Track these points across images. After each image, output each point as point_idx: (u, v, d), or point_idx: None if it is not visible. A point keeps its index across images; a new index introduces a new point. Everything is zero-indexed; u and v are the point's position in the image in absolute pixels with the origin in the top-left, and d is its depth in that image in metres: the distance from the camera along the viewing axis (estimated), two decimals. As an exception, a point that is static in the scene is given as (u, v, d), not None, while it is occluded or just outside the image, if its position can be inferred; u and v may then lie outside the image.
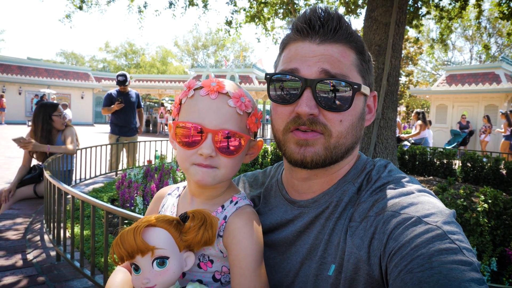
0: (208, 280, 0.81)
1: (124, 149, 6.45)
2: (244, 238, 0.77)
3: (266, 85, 0.85)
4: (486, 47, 10.98)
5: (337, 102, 0.75)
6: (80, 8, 8.28)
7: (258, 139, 0.90)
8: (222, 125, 0.77)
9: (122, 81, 6.19)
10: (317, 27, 0.76)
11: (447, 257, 0.56)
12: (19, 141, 4.13)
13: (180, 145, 0.79)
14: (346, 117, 0.77)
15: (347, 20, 0.79)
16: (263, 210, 0.95)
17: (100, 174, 6.18)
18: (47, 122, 4.44)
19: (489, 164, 6.17)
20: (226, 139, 0.77)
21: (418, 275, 0.55)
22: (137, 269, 0.72)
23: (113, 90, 6.32)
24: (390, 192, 0.74)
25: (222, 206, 0.83)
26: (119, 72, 6.25)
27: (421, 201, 0.69)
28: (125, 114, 6.26)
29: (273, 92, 0.81)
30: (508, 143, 10.61)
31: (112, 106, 6.13)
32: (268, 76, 0.82)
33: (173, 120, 0.83)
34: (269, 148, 6.36)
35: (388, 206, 0.70)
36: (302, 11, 0.83)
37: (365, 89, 0.79)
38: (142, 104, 6.56)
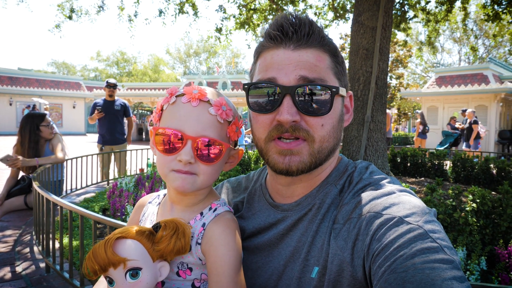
0: None
1: (113, 159, 6.39)
2: (221, 245, 0.77)
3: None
4: (473, 49, 11.22)
5: (318, 106, 0.76)
6: (70, 17, 8.28)
7: (238, 148, 0.90)
8: (202, 132, 0.77)
9: (113, 84, 6.19)
10: (290, 33, 0.76)
11: (429, 256, 0.57)
12: (6, 160, 4.08)
13: (160, 151, 0.79)
14: (327, 120, 0.78)
15: (318, 25, 0.80)
16: (246, 214, 0.94)
17: (92, 184, 6.13)
18: (34, 133, 4.40)
19: (478, 164, 6.25)
20: (206, 146, 0.77)
21: (401, 275, 0.56)
22: (111, 282, 0.71)
23: (99, 99, 6.29)
24: (372, 193, 0.75)
25: (201, 213, 0.83)
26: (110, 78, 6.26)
27: (402, 201, 0.69)
28: (108, 124, 6.20)
29: (253, 101, 0.81)
30: (420, 140, 11.82)
31: (93, 114, 6.14)
32: (246, 86, 0.82)
33: (154, 125, 0.83)
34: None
35: (370, 207, 0.71)
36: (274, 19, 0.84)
37: (342, 91, 0.80)
38: (131, 113, 6.48)
